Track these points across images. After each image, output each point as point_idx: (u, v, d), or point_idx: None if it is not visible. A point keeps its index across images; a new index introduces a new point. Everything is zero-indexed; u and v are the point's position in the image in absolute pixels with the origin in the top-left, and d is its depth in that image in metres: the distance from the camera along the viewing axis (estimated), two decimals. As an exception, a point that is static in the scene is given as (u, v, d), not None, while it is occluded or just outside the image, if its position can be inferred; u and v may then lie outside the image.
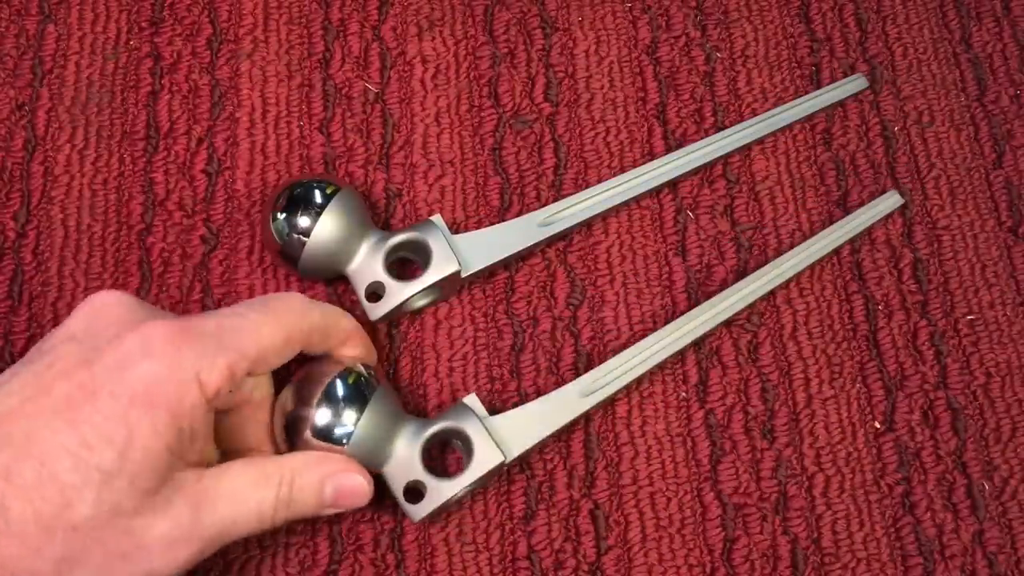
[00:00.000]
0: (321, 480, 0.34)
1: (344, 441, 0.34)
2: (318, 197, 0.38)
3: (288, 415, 0.35)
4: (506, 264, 0.42)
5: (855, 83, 0.46)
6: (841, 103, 0.46)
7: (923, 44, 0.47)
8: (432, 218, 0.40)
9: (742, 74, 0.46)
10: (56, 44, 0.45)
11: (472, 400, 0.38)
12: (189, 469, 0.31)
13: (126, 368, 0.30)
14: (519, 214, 0.43)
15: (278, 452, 0.36)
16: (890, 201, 0.44)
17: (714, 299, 0.41)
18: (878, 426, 0.41)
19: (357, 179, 0.43)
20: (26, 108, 0.44)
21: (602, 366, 0.40)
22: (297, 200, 0.38)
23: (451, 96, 0.45)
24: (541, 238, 0.41)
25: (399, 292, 0.39)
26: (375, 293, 0.39)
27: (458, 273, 0.39)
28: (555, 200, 0.43)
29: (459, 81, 0.45)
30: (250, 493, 0.32)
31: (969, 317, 0.43)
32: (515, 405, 0.40)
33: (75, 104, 0.44)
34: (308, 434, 0.35)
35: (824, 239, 0.43)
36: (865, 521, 0.39)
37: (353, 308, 0.41)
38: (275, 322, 0.34)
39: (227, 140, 0.44)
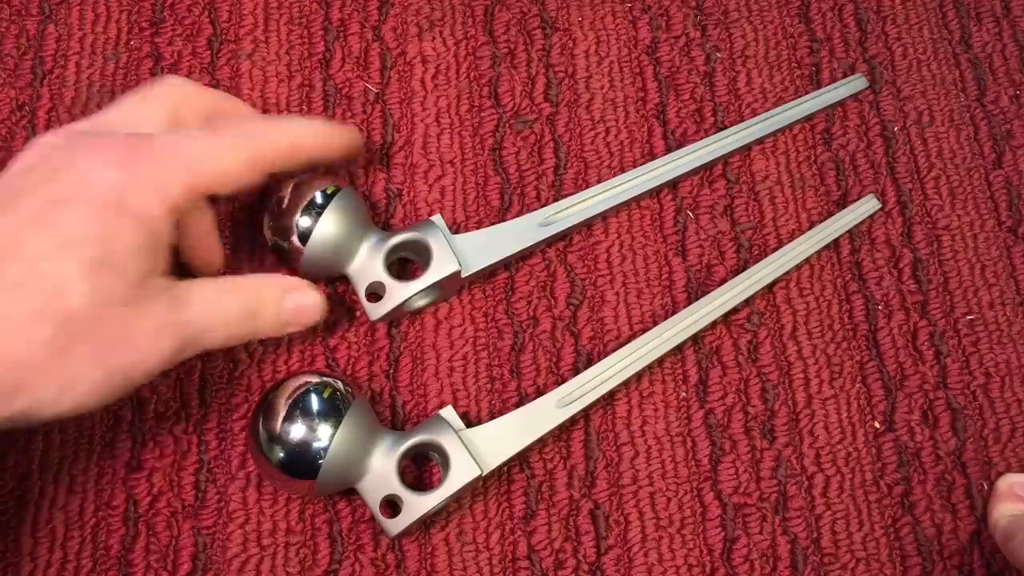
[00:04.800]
0: (282, 293, 0.36)
1: (319, 456, 0.34)
2: (318, 197, 0.38)
3: (263, 428, 0.35)
4: (506, 264, 0.42)
5: (855, 83, 0.46)
6: (841, 103, 0.46)
7: (923, 44, 0.47)
8: (432, 218, 0.40)
9: (742, 74, 0.46)
10: (56, 44, 0.45)
11: (448, 412, 0.37)
12: (161, 277, 0.32)
13: (90, 180, 0.31)
14: (519, 214, 0.43)
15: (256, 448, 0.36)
16: (868, 205, 0.44)
17: (687, 309, 0.41)
18: (878, 426, 0.41)
19: (357, 179, 0.43)
20: (27, 108, 0.44)
21: (578, 377, 0.39)
22: (297, 200, 0.38)
23: (451, 96, 0.45)
24: (541, 238, 0.41)
25: (399, 292, 0.39)
26: (375, 293, 0.39)
27: (458, 273, 0.39)
28: (555, 200, 0.43)
29: (459, 81, 0.45)
30: (219, 298, 0.34)
31: (969, 317, 0.43)
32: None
33: (76, 104, 0.44)
34: (282, 451, 0.34)
35: (814, 236, 0.43)
36: (864, 521, 0.39)
37: (353, 308, 0.41)
38: (232, 147, 0.34)
39: (227, 140, 0.44)
